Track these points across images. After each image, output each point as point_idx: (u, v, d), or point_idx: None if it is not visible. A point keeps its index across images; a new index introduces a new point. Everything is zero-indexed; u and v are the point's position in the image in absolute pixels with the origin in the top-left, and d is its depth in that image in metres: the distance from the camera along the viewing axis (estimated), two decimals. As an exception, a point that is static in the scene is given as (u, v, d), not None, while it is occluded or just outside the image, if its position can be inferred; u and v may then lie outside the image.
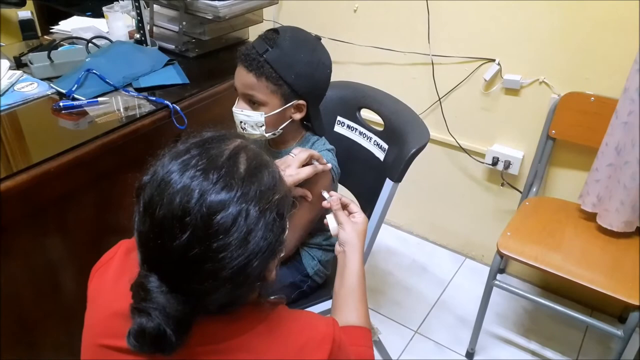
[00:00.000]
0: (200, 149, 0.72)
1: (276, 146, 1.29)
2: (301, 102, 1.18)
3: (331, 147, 1.28)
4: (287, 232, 0.76)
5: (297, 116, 1.20)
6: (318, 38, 1.21)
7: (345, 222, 1.03)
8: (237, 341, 0.73)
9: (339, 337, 0.81)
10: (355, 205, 1.06)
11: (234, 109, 1.19)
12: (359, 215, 1.05)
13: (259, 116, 1.16)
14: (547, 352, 1.87)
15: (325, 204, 1.06)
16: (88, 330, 0.81)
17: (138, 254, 0.71)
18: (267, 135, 1.19)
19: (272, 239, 0.70)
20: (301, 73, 1.14)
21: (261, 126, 1.17)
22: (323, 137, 1.29)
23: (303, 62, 1.14)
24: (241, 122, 1.18)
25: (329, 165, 1.18)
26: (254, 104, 1.16)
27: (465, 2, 1.82)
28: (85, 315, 0.82)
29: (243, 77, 1.14)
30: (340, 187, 1.42)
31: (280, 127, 1.20)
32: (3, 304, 1.16)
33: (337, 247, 1.03)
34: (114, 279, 0.81)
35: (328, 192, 1.08)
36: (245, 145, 0.75)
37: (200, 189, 0.66)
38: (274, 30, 1.15)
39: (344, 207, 1.06)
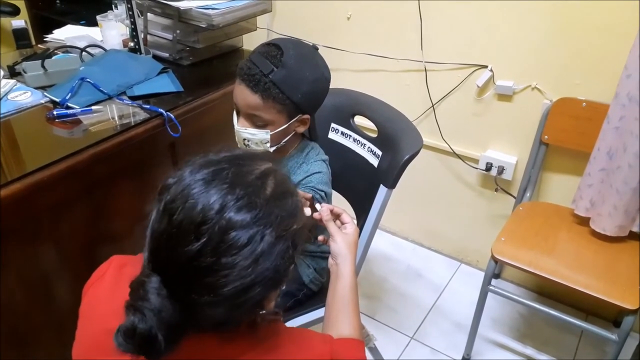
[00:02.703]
0: (232, 163, 0.71)
1: (274, 155, 1.28)
2: (305, 116, 1.18)
3: (325, 157, 1.28)
4: (294, 266, 0.76)
5: (301, 129, 1.20)
6: (315, 48, 1.20)
7: (335, 233, 1.01)
8: None
9: (337, 354, 0.81)
10: (347, 215, 1.04)
11: (236, 127, 1.16)
12: (350, 226, 1.02)
13: (264, 134, 1.14)
14: (543, 357, 1.87)
15: (316, 215, 1.04)
16: (80, 346, 0.80)
17: (145, 252, 0.70)
18: (271, 150, 1.18)
19: (280, 267, 0.70)
20: (307, 91, 1.13)
21: (266, 142, 1.16)
22: (317, 147, 1.29)
23: (309, 80, 1.13)
24: (244, 139, 1.16)
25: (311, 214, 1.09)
26: (259, 123, 1.14)
27: (457, 9, 1.84)
28: (76, 331, 0.81)
29: (248, 98, 1.11)
30: (334, 193, 1.43)
31: (284, 141, 1.20)
32: (-3, 313, 1.15)
33: (330, 261, 1.02)
34: (107, 295, 0.81)
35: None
36: (276, 170, 0.75)
37: (223, 202, 0.66)
38: (275, 46, 1.12)
39: (336, 217, 1.04)
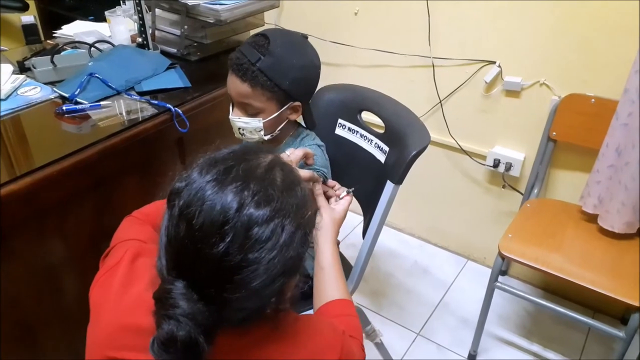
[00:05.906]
0: (238, 159, 0.72)
1: (270, 144, 1.29)
2: (296, 103, 1.19)
3: (321, 143, 1.28)
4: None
5: (294, 117, 1.22)
6: (305, 37, 1.22)
7: (322, 208, 1.05)
8: (253, 352, 0.73)
9: (347, 345, 0.83)
10: (343, 193, 1.10)
11: (230, 116, 1.19)
12: (341, 202, 1.08)
13: (257, 122, 1.16)
14: (549, 354, 1.87)
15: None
16: (94, 340, 0.79)
17: (163, 260, 0.69)
18: (266, 138, 1.20)
19: (301, 253, 0.71)
20: (295, 78, 1.14)
21: (260, 131, 1.18)
22: (313, 134, 1.30)
23: (296, 67, 1.15)
24: (239, 128, 1.19)
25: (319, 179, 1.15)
26: (251, 111, 1.16)
27: (465, 4, 1.83)
28: (89, 324, 0.80)
29: (238, 87, 1.14)
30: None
31: (278, 129, 1.21)
32: (4, 306, 1.16)
33: (314, 232, 1.03)
34: (120, 289, 0.80)
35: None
36: (280, 161, 0.76)
37: (241, 199, 0.66)
38: (263, 36, 1.15)
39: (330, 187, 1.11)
